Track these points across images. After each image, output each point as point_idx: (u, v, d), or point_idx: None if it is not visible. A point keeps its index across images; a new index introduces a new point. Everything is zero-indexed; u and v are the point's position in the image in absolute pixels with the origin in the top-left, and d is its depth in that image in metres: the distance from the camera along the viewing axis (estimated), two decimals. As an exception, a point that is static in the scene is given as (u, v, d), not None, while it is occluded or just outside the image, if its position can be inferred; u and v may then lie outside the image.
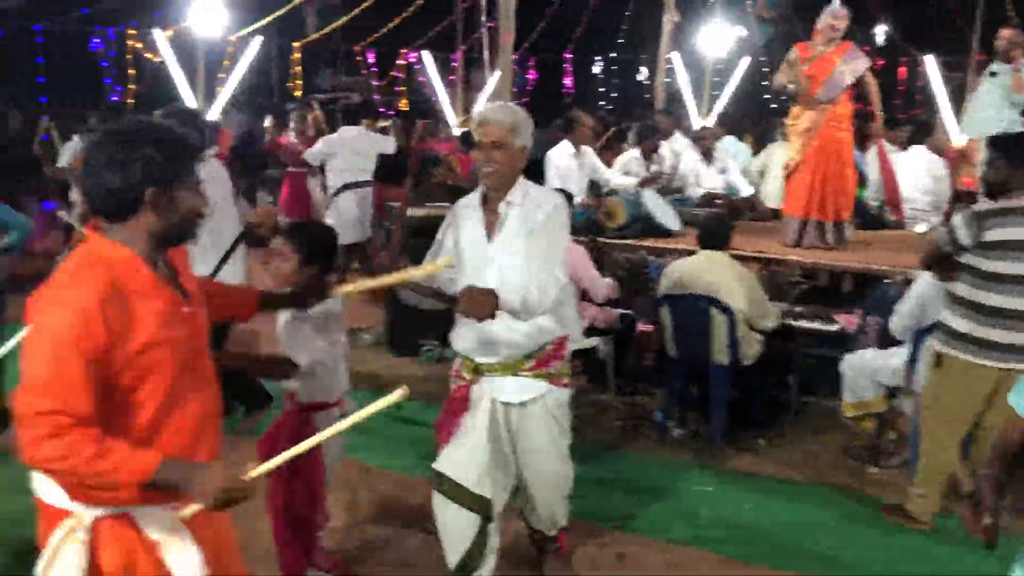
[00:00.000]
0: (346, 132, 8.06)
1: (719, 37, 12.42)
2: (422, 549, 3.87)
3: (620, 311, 5.71)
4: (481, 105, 11.83)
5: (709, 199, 7.71)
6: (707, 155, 8.10)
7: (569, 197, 5.64)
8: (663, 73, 10.74)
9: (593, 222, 6.51)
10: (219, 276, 4.28)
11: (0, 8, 8.68)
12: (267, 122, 10.03)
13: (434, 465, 3.35)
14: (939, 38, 12.79)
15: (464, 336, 3.31)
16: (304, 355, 3.11)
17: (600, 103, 16.59)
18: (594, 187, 6.96)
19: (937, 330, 4.04)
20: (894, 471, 4.77)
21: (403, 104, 15.37)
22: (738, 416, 5.23)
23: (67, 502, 2.02)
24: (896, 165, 7.57)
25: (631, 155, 7.72)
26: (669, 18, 10.44)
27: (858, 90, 6.41)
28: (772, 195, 7.87)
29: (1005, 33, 7.52)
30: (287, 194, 9.49)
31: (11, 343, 3.25)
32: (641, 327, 5.91)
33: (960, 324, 3.88)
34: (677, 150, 8.03)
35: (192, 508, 2.05)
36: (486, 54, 6.85)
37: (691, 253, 5.43)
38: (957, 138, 8.87)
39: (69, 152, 8.46)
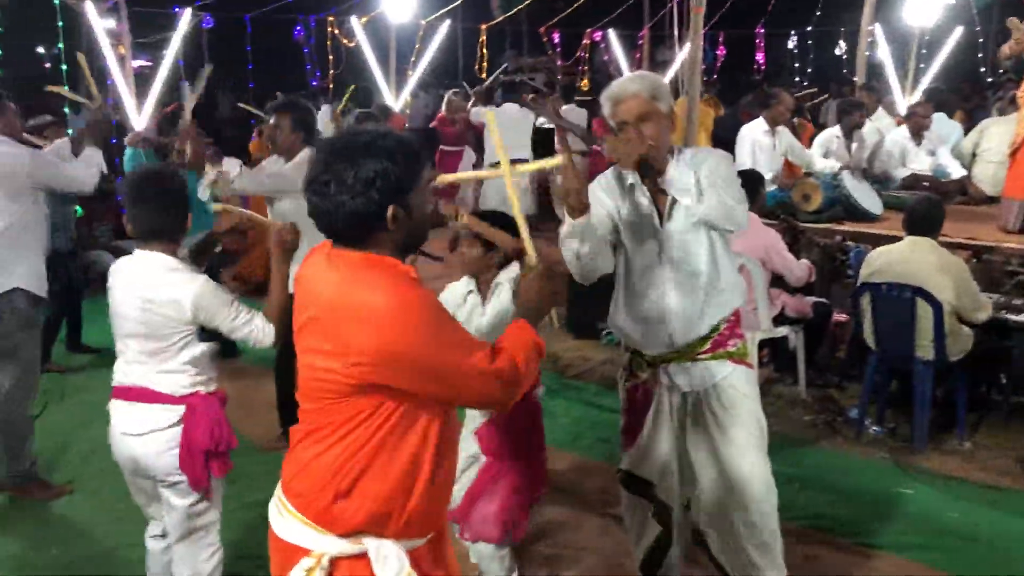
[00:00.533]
0: (504, 108, 8.02)
1: (927, 5, 11.51)
2: (600, 532, 3.84)
3: (814, 299, 5.42)
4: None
5: (915, 181, 7.16)
6: (917, 134, 7.49)
7: (760, 178, 5.42)
8: (864, 46, 10.08)
9: (788, 204, 6.21)
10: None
11: (213, 1, 9.30)
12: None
13: (621, 465, 3.19)
14: None
15: (628, 326, 3.04)
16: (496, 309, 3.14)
17: (795, 79, 15.84)
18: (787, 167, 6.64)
19: None
20: None
21: (584, 84, 15.29)
22: (942, 415, 4.85)
23: (305, 539, 1.95)
24: None
25: (831, 133, 7.28)
26: (872, -13, 9.77)
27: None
28: (985, 177, 7.18)
29: None
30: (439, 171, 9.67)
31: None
32: (836, 316, 5.59)
33: None
34: (881, 128, 7.50)
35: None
36: (675, 31, 6.65)
37: (894, 239, 5.06)
38: None
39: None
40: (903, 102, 10.68)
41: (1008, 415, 5.04)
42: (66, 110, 8.84)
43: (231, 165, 4.83)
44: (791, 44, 15.52)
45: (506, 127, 7.63)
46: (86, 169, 4.36)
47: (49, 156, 4.43)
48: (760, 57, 14.46)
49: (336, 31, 11.08)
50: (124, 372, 2.88)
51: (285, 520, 1.97)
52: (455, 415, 2.06)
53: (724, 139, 8.91)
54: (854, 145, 7.14)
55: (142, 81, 8.92)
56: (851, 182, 6.30)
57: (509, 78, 14.74)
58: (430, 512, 1.99)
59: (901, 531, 3.94)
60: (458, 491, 3.11)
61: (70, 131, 6.70)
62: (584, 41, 14.31)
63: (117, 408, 2.88)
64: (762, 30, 14.20)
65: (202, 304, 2.78)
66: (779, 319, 5.20)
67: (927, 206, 4.85)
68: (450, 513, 3.04)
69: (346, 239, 1.94)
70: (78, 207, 6.98)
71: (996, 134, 6.95)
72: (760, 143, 6.49)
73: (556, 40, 15.09)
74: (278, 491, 2.03)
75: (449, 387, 1.90)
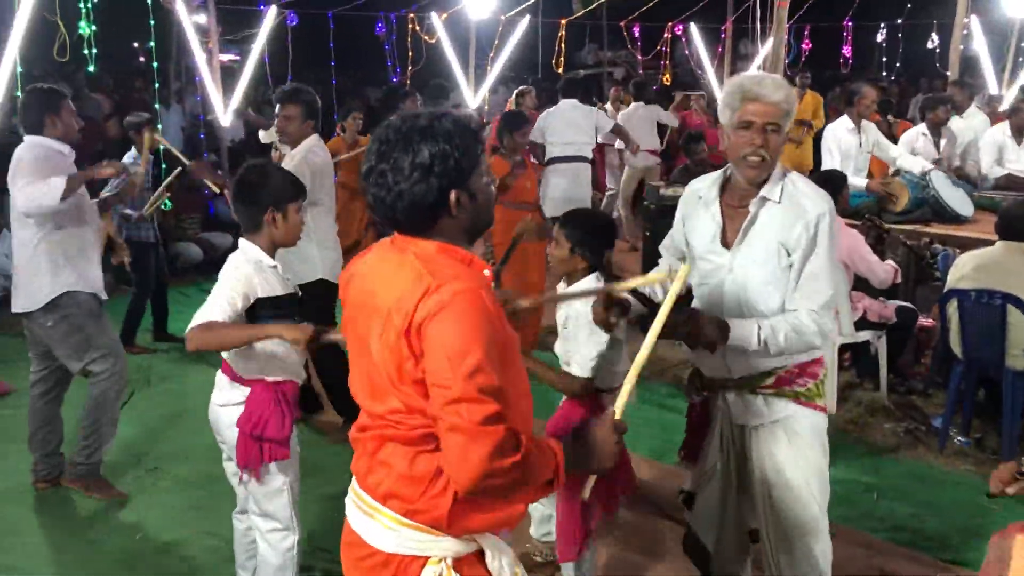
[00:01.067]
0: (562, 105, 7.79)
1: (1028, -4, 10.99)
2: (669, 536, 3.79)
3: (898, 303, 5.24)
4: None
5: (1010, 182, 6.84)
6: (1020, 132, 7.13)
7: (843, 178, 5.26)
8: (959, 39, 9.69)
9: (873, 204, 6.03)
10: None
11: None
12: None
13: (684, 484, 3.07)
14: None
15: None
16: (592, 347, 3.08)
17: (883, 73, 15.36)
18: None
19: None
20: None
21: (666, 78, 15.11)
22: (1033, 428, 4.65)
23: (423, 547, 1.86)
24: None
25: (917, 131, 7.03)
26: (968, -22, 9.39)
27: None
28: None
29: None
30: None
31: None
32: (922, 321, 5.40)
33: None
34: (974, 126, 7.20)
35: (591, 480, 2.03)
36: (757, 24, 6.51)
37: (986, 243, 4.86)
38: None
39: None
40: (1000, 96, 10.25)
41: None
42: (157, 106, 9.14)
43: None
44: (880, 37, 15.04)
45: (565, 125, 7.40)
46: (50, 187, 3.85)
47: (36, 170, 3.92)
48: (847, 50, 14.05)
49: (416, 27, 11.18)
50: None
51: (390, 532, 1.87)
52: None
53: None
54: (942, 142, 6.88)
55: (228, 75, 9.15)
56: (940, 181, 6.07)
57: (588, 72, 14.68)
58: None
59: (985, 549, 3.78)
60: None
61: (159, 127, 6.94)
62: (665, 35, 14.13)
63: (216, 379, 3.10)
64: (849, 22, 13.79)
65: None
66: (861, 323, 5.05)
67: (1022, 209, 4.64)
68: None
69: (410, 228, 1.86)
70: (167, 200, 7.23)
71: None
72: (845, 141, 6.31)
73: (636, 34, 14.94)
74: (368, 500, 1.92)
75: (439, 396, 1.71)
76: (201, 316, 2.83)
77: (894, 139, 7.29)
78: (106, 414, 4.21)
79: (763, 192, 2.60)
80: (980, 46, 11.07)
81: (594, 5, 13.42)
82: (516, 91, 10.11)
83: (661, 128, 9.93)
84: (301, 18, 9.88)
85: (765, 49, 9.02)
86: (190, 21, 8.52)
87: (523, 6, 11.92)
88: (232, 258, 3.02)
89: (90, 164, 4.38)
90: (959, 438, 4.76)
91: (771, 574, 2.82)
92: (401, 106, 8.22)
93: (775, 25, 5.76)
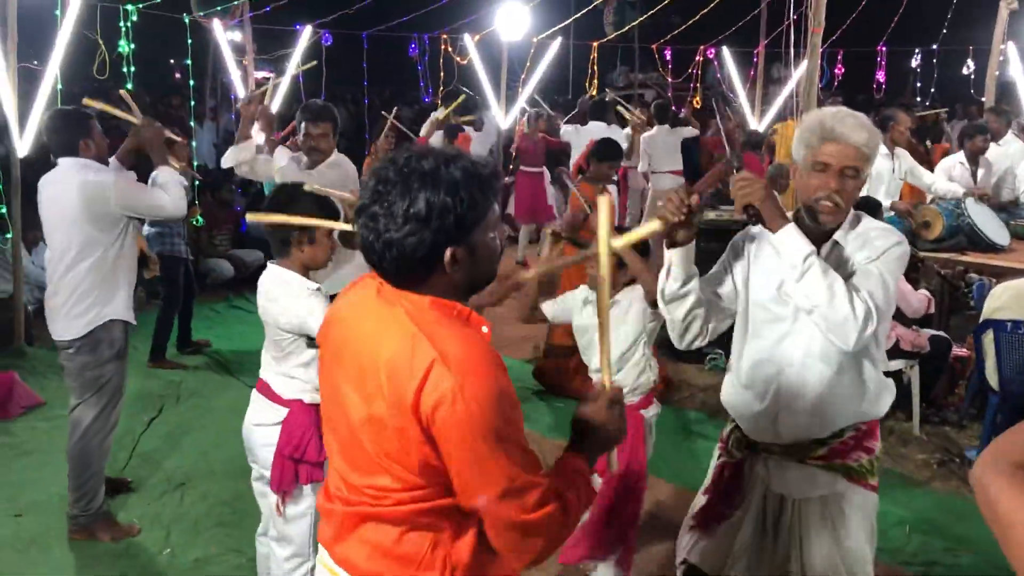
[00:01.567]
0: (592, 127, 7.84)
1: (1066, 23, 10.88)
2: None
3: (931, 332, 5.17)
4: (780, 103, 11.30)
5: (1047, 210, 6.76)
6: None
7: (877, 205, 5.21)
8: (995, 65, 9.60)
9: (907, 232, 5.96)
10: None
11: (332, 19, 9.59)
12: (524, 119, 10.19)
13: (686, 552, 2.73)
14: None
15: (734, 394, 2.60)
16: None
17: (917, 99, 15.22)
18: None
19: None
20: None
21: (696, 102, 15.08)
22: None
23: None
24: None
25: (954, 159, 6.96)
26: (1006, 4, 9.30)
27: None
28: None
29: None
30: (519, 194, 9.56)
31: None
32: (957, 351, 5.31)
33: None
34: (1010, 154, 7.12)
35: (614, 453, 1.92)
36: (792, 49, 6.47)
37: (1022, 272, 4.79)
38: None
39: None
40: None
41: None
42: (192, 124, 9.27)
43: (281, 154, 4.88)
44: (914, 63, 14.92)
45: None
46: (171, 195, 3.98)
47: (133, 181, 4.11)
48: (880, 75, 13.94)
49: (449, 48, 11.27)
50: (263, 366, 3.09)
51: None
52: None
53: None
54: (980, 171, 6.80)
55: (263, 94, 9.26)
56: (975, 209, 6.00)
57: (619, 93, 14.68)
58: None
59: (1022, 586, 3.70)
60: None
61: (193, 144, 7.04)
62: (697, 58, 14.11)
63: (252, 397, 3.10)
64: (883, 47, 13.70)
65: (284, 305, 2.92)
66: (894, 352, 4.98)
67: (1060, 239, 4.57)
68: None
69: (396, 281, 1.68)
70: (199, 216, 7.32)
71: None
72: (878, 167, 6.25)
73: (668, 56, 14.94)
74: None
75: (476, 494, 1.61)
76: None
77: (931, 165, 7.22)
78: (89, 469, 3.98)
79: (836, 236, 2.41)
80: (1016, 72, 10.95)
81: (626, 28, 13.45)
82: (527, 114, 10.12)
83: (685, 150, 9.89)
84: (335, 37, 9.99)
85: (798, 73, 8.97)
86: (226, 40, 8.65)
87: (555, 28, 11.97)
88: (285, 288, 2.94)
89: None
90: (994, 472, 4.66)
91: None
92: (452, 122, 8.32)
93: (809, 51, 5.73)
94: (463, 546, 1.69)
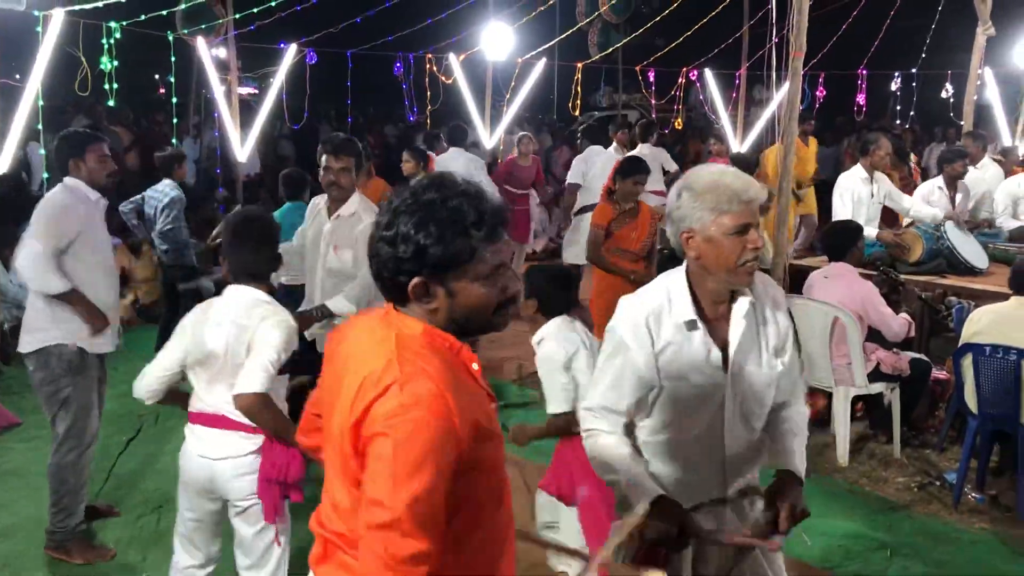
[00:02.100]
0: (593, 152, 7.87)
1: (1041, 47, 11.05)
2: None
3: (912, 355, 5.20)
4: (762, 125, 11.39)
5: (1024, 234, 6.82)
6: (1038, 184, 7.11)
7: (858, 229, 5.25)
8: (973, 90, 9.73)
9: (886, 255, 6.00)
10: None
11: (317, 37, 9.60)
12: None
13: None
14: None
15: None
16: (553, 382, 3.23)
17: (896, 121, 15.40)
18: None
19: None
20: None
21: (678, 123, 15.18)
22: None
23: None
24: None
25: (933, 184, 7.02)
26: (983, 30, 9.43)
27: None
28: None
29: None
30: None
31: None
32: (936, 373, 5.34)
33: None
34: (987, 178, 7.20)
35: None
36: (773, 72, 6.52)
37: (1001, 296, 4.83)
38: None
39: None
40: (1013, 147, 10.26)
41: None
42: (174, 141, 9.23)
43: None
44: (894, 86, 15.12)
45: (593, 169, 7.67)
46: (36, 273, 3.82)
47: (50, 220, 3.87)
48: (861, 98, 14.11)
49: (434, 68, 11.30)
50: (202, 398, 3.01)
51: None
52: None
53: (825, 180, 8.69)
54: (958, 196, 6.87)
55: (245, 109, 9.26)
56: (955, 233, 6.04)
57: (602, 114, 14.76)
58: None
59: (1001, 610, 3.71)
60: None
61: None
62: (680, 80, 14.22)
63: (195, 431, 3.01)
64: (864, 71, 13.88)
65: (268, 331, 2.86)
66: (874, 374, 5.01)
67: (1036, 264, 4.60)
68: None
69: (387, 298, 1.75)
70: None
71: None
72: (858, 192, 6.30)
73: (651, 78, 15.05)
74: None
75: (370, 513, 1.56)
76: (253, 383, 2.78)
77: (914, 185, 7.27)
78: (65, 484, 3.95)
79: (745, 293, 2.33)
80: (994, 96, 11.12)
81: (611, 50, 13.54)
82: (519, 138, 10.12)
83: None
84: (320, 55, 9.99)
85: (779, 96, 9.05)
86: (210, 56, 8.63)
87: (540, 49, 12.04)
88: (262, 312, 2.91)
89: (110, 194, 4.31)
90: (974, 494, 4.69)
91: None
92: (421, 146, 8.32)
93: (790, 75, 5.77)
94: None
